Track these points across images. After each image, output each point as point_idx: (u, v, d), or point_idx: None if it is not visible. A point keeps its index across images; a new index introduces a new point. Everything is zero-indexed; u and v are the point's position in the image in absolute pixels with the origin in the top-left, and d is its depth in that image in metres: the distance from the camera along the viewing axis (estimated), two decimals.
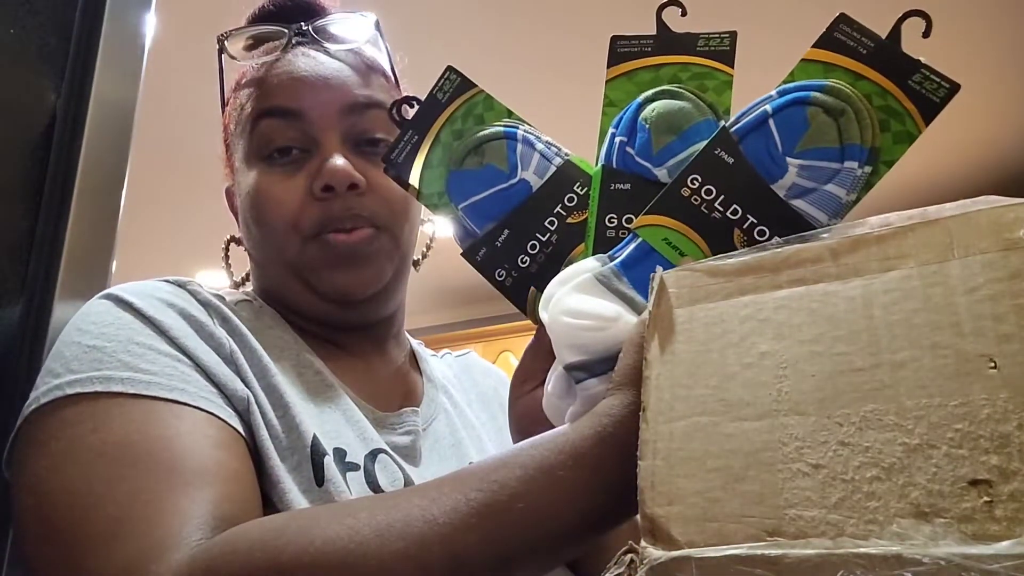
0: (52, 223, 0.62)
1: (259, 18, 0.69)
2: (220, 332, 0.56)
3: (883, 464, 0.31)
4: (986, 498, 0.29)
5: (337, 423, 0.58)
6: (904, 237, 0.36)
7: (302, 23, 0.65)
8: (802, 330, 0.36)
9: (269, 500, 0.51)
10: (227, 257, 0.71)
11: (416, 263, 0.72)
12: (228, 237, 0.71)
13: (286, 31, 0.64)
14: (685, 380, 0.38)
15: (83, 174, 0.64)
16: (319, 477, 0.52)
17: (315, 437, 0.54)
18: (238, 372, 0.55)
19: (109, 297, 0.55)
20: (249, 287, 0.71)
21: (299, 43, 0.64)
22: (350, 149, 0.63)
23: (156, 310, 0.54)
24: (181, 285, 0.58)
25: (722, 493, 0.34)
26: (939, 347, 0.33)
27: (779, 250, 0.39)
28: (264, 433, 0.53)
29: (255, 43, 0.67)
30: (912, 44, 0.45)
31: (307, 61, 0.63)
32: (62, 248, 0.62)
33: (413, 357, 0.76)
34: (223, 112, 0.71)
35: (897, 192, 3.22)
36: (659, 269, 0.43)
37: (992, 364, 0.31)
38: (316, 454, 0.53)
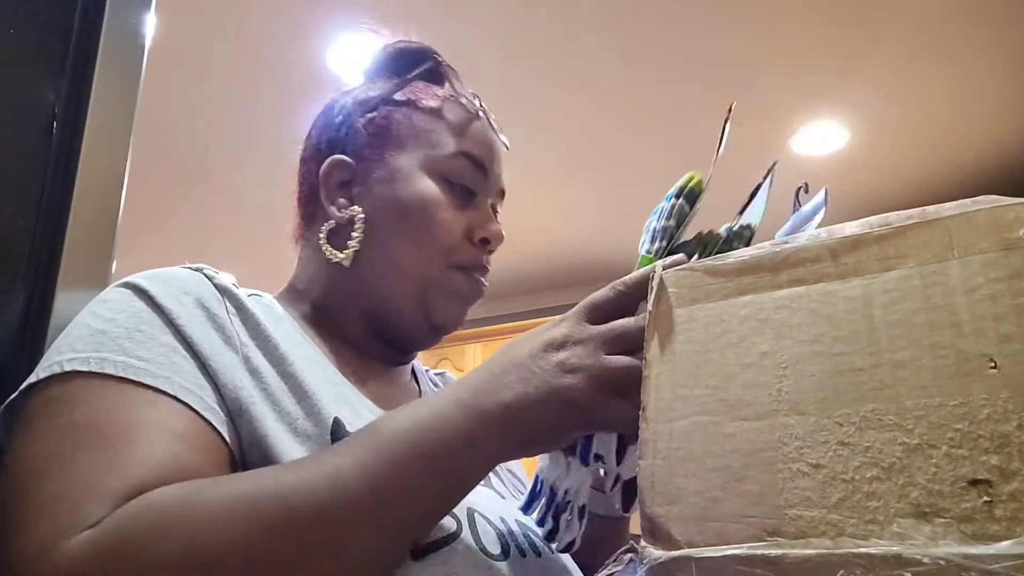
0: (52, 223, 0.62)
1: (404, 53, 0.77)
2: (232, 323, 0.57)
3: (883, 464, 0.31)
4: (986, 498, 0.29)
5: (347, 413, 0.59)
6: (904, 237, 0.36)
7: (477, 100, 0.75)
8: (802, 330, 0.36)
9: None
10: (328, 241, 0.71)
11: None
12: (331, 224, 0.70)
13: (475, 101, 0.75)
14: (685, 380, 0.38)
15: (83, 174, 0.64)
16: None
17: (336, 420, 0.55)
18: (247, 361, 0.55)
19: (127, 285, 0.57)
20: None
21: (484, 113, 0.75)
22: None
23: (171, 298, 0.55)
24: (197, 270, 0.60)
25: (722, 493, 0.34)
26: (939, 347, 0.32)
27: (778, 250, 0.39)
28: (273, 423, 0.53)
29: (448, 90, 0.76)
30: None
31: (495, 137, 0.75)
32: (62, 248, 0.62)
33: (413, 371, 0.79)
34: (400, 89, 0.73)
35: (897, 192, 3.22)
36: (658, 267, 0.44)
37: (992, 364, 0.31)
38: (336, 437, 0.54)
